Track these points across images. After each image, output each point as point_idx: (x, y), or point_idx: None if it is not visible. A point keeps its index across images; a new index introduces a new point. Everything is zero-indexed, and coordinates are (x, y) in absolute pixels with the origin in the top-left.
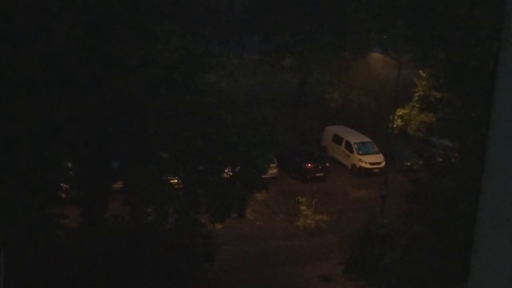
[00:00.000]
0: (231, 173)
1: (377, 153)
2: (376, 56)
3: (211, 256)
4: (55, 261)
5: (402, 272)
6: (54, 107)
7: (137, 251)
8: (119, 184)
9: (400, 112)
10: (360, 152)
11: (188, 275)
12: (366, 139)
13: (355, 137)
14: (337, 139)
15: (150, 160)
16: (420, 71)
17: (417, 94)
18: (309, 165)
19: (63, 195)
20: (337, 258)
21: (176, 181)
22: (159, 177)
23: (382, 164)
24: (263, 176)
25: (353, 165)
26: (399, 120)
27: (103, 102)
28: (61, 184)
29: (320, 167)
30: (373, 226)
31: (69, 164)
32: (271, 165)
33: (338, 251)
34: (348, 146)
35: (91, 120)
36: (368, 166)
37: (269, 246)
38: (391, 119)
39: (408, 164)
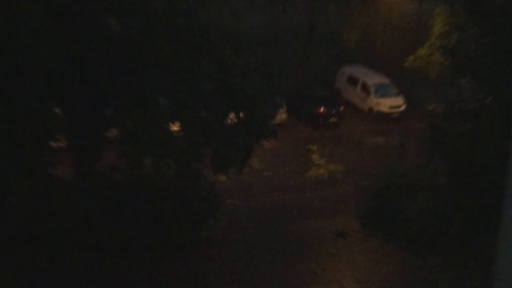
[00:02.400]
0: (235, 119)
1: (397, 95)
2: None
3: (215, 211)
4: (42, 216)
5: (424, 227)
6: (41, 43)
7: (134, 206)
8: (115, 133)
9: (420, 52)
10: (378, 94)
11: (190, 232)
12: (385, 80)
13: (372, 78)
14: (353, 81)
15: (148, 105)
16: (439, 8)
17: (436, 31)
18: (322, 109)
19: (53, 144)
20: (352, 212)
21: (176, 128)
22: (158, 124)
23: (402, 108)
24: (271, 122)
25: (370, 109)
26: (419, 61)
27: (96, 40)
28: (52, 132)
29: (333, 112)
30: (392, 176)
31: (58, 110)
32: (280, 110)
33: (354, 204)
34: (365, 88)
35: (82, 59)
36: (387, 110)
37: (278, 199)
38: (412, 59)
39: (431, 108)
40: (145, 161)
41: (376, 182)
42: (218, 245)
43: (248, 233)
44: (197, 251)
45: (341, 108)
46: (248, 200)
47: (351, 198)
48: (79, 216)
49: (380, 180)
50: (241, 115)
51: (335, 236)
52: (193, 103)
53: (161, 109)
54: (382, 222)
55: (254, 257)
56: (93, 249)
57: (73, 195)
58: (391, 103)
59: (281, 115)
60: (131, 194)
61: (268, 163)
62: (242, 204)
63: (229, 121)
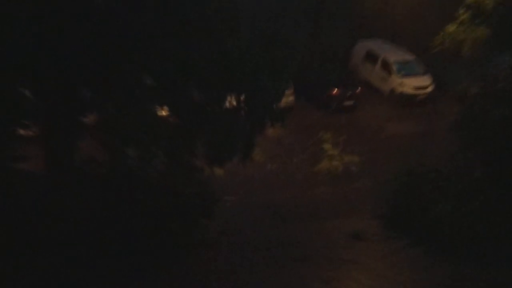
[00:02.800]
0: (234, 103)
1: (423, 74)
2: None
3: (210, 210)
4: (10, 216)
5: (456, 228)
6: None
7: (116, 204)
8: (93, 119)
9: (450, 29)
10: (402, 73)
11: (181, 234)
12: (409, 56)
13: (394, 54)
14: (371, 57)
15: (132, 86)
16: None
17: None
18: (335, 91)
19: (22, 132)
20: (371, 210)
21: (165, 114)
22: (143, 108)
23: (430, 89)
24: (276, 106)
25: (392, 91)
26: (449, 39)
27: (73, 10)
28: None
29: (349, 94)
30: (417, 169)
31: (27, 93)
32: (286, 92)
33: (372, 201)
34: (386, 65)
35: (56, 31)
36: (412, 91)
37: (284, 196)
38: (441, 36)
39: (463, 89)
40: (128, 151)
41: (399, 176)
42: (214, 249)
43: (248, 235)
44: (190, 256)
45: (358, 90)
46: (249, 197)
47: (370, 194)
48: (51, 216)
49: (404, 174)
50: (242, 98)
51: (350, 238)
52: (184, 84)
53: (147, 90)
54: (406, 222)
55: (254, 263)
56: (66, 254)
57: (44, 192)
58: (416, 83)
59: (288, 98)
60: (112, 191)
61: (272, 153)
62: (241, 201)
63: (227, 104)
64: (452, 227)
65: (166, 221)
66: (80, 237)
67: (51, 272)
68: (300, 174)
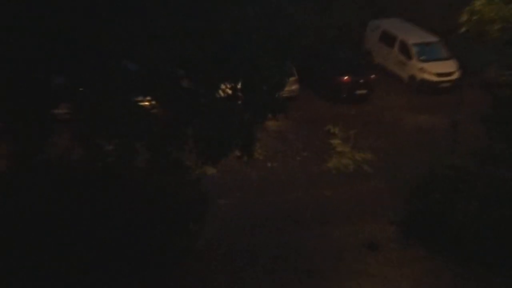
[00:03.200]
0: (230, 91)
1: (447, 58)
2: None
3: (201, 214)
4: None
5: (482, 235)
6: None
7: (92, 208)
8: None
9: (477, 4)
10: (423, 57)
11: (169, 243)
12: (432, 38)
13: (414, 35)
14: (388, 39)
15: (110, 71)
16: None
17: None
18: (345, 78)
19: None
20: (387, 215)
21: (148, 103)
22: (123, 97)
23: (455, 76)
24: (278, 95)
25: (412, 77)
26: (476, 15)
27: None
28: None
29: (361, 81)
30: (439, 168)
31: None
32: (290, 79)
33: (388, 205)
34: (404, 48)
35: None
36: (435, 78)
37: (287, 198)
38: (466, 13)
39: (492, 76)
40: (107, 147)
41: (418, 176)
42: (206, 259)
43: (245, 244)
44: (178, 267)
45: (372, 76)
46: (246, 200)
47: (385, 197)
48: (16, 221)
49: (424, 174)
50: (239, 85)
51: (363, 247)
52: (172, 69)
53: (128, 75)
54: (426, 228)
55: (253, 276)
56: (33, 267)
57: (9, 193)
58: (440, 69)
59: (291, 86)
60: (87, 192)
61: (274, 150)
62: (238, 205)
63: (221, 93)
64: (477, 234)
65: (149, 227)
66: (47, 245)
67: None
68: (305, 174)
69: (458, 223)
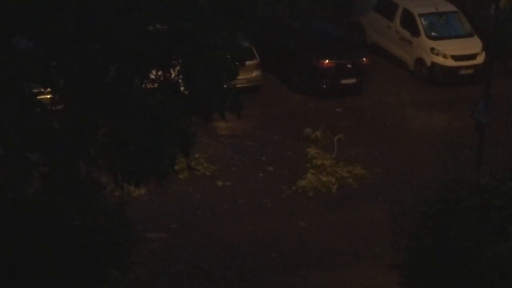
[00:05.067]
0: (161, 79)
1: (468, 35)
2: None
3: (124, 255)
4: None
5: None
6: None
7: None
8: None
9: None
10: (435, 33)
11: None
12: (447, 7)
13: (422, 3)
14: (386, 7)
15: None
16: None
17: None
18: (326, 61)
19: None
20: (384, 255)
21: (49, 96)
22: (15, 87)
23: (480, 60)
24: (230, 85)
25: (419, 61)
26: None
27: None
28: None
29: (348, 66)
30: (459, 188)
31: None
32: (248, 63)
33: (386, 241)
34: (409, 20)
35: None
36: (451, 63)
37: (245, 232)
38: None
39: None
40: None
41: (428, 199)
42: None
43: None
44: None
45: (363, 60)
46: (186, 235)
47: (382, 229)
48: None
49: (438, 197)
50: (172, 71)
51: None
52: (81, 48)
53: (19, 56)
54: (441, 274)
55: None
56: None
57: None
58: (458, 50)
59: (251, 72)
60: None
61: (226, 163)
62: (174, 241)
63: (146, 83)
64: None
65: (51, 271)
66: None
67: None
68: (270, 197)
69: (487, 266)
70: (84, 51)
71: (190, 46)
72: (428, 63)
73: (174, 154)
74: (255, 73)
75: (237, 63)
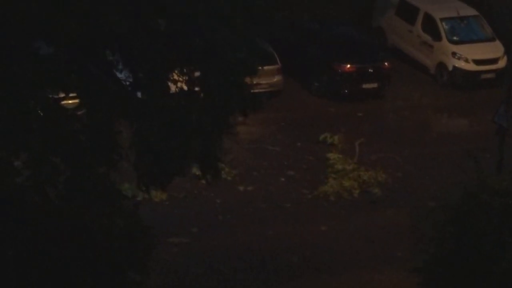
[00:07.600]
0: (183, 83)
1: (490, 40)
2: None
3: (144, 259)
4: None
5: None
6: None
7: None
8: None
9: None
10: (456, 38)
11: None
12: (468, 11)
13: (444, 7)
14: (407, 12)
15: (15, 56)
16: None
17: None
18: (348, 66)
19: None
20: (406, 259)
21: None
22: (33, 92)
23: (502, 64)
24: (248, 85)
25: (441, 66)
26: None
27: None
28: None
29: (370, 71)
30: (481, 194)
31: None
32: (267, 67)
33: (408, 245)
34: (431, 25)
35: None
36: (472, 67)
37: (266, 236)
38: None
39: None
40: (14, 162)
41: (450, 205)
42: None
43: None
44: None
45: (385, 64)
46: (207, 239)
47: (404, 233)
48: None
49: (459, 201)
50: (194, 73)
51: None
52: (101, 51)
53: (40, 61)
54: (461, 277)
55: None
56: None
57: None
58: (480, 54)
59: (272, 77)
60: None
61: (247, 167)
62: (196, 245)
63: (169, 85)
64: None
65: (71, 275)
66: None
67: None
68: (291, 201)
69: (508, 270)
70: (102, 55)
71: (208, 49)
72: (450, 68)
73: (195, 158)
74: (276, 78)
75: (255, 60)
